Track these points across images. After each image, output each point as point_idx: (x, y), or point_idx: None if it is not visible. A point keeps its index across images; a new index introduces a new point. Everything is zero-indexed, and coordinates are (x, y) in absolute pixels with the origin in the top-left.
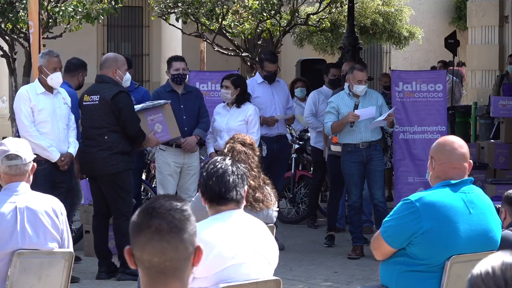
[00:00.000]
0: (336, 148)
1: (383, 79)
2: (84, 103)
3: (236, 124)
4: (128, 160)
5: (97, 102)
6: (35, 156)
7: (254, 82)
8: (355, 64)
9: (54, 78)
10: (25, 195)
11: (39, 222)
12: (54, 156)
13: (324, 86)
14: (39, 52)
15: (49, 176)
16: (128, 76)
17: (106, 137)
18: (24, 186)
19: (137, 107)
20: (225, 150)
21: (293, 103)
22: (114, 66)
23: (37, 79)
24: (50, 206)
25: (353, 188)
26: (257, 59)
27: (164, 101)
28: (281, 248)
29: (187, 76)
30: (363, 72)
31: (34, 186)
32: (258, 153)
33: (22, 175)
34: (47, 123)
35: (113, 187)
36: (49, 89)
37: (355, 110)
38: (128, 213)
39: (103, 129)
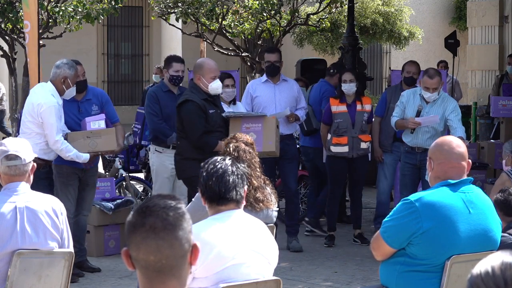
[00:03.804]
0: (336, 149)
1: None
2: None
3: None
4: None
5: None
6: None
7: (258, 82)
8: (430, 69)
9: (72, 91)
10: (25, 195)
11: (39, 222)
12: (85, 159)
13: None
14: (38, 52)
15: (48, 179)
16: (216, 84)
17: (178, 142)
18: (24, 186)
19: (234, 112)
20: (230, 150)
21: (305, 104)
22: (198, 72)
23: (54, 88)
24: (50, 206)
25: (403, 189)
26: (257, 59)
27: (264, 114)
28: (299, 250)
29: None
30: (433, 80)
31: (38, 188)
32: (257, 153)
33: (21, 175)
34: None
35: (189, 191)
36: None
37: (416, 118)
38: None
39: (178, 134)
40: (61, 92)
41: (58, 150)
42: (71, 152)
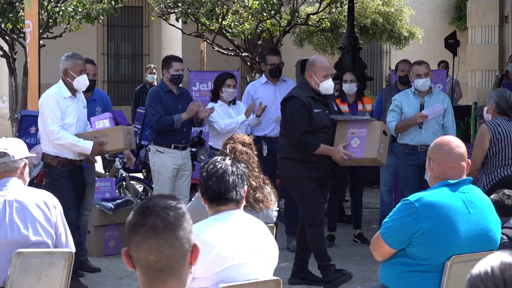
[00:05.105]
0: None
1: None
2: None
3: (246, 118)
4: (299, 168)
5: None
6: (34, 156)
7: (258, 83)
8: (415, 61)
9: (81, 81)
10: (15, 189)
11: (28, 213)
12: (88, 147)
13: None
14: (39, 52)
15: (71, 177)
16: (328, 83)
17: (280, 139)
18: (15, 182)
19: (342, 116)
20: (226, 151)
21: None
22: (310, 69)
23: (61, 82)
24: (41, 199)
25: (408, 192)
26: (257, 59)
27: (372, 118)
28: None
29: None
30: (422, 66)
31: (60, 187)
32: (256, 153)
33: (12, 171)
34: (73, 125)
35: (287, 190)
36: (73, 92)
37: (422, 110)
38: (309, 221)
39: (281, 132)
40: (69, 85)
41: (55, 140)
42: (69, 139)
